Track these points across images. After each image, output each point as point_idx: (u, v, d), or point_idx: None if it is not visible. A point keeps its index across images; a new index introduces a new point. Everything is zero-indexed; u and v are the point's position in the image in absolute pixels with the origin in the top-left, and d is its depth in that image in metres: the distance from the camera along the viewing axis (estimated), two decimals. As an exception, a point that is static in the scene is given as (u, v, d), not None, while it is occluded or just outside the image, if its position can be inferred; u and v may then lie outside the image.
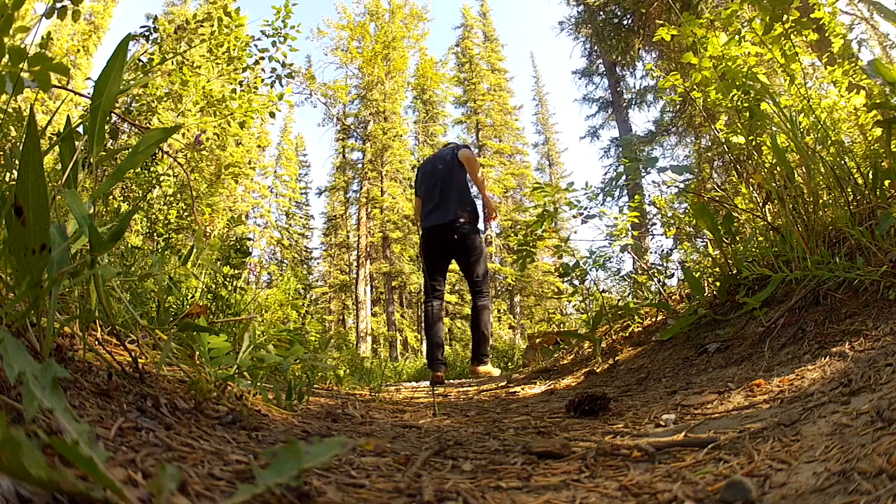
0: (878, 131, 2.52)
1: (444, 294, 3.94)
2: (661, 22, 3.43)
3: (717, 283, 2.74)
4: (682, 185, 3.66)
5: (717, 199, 3.44)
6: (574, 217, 3.72)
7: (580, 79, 14.47)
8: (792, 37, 2.55)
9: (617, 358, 2.92)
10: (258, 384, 1.43)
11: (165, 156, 4.32)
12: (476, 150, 24.42)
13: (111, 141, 3.10)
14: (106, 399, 0.93)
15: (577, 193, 3.66)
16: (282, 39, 4.71)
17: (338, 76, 35.16)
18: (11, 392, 0.73)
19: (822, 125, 2.40)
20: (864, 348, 1.37)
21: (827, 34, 2.97)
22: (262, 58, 4.83)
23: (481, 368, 3.64)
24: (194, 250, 2.62)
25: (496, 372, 3.75)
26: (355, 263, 22.43)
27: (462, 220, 3.75)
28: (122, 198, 4.42)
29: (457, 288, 22.10)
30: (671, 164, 3.41)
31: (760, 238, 2.69)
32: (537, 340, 4.47)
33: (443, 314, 3.95)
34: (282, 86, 4.87)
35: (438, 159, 4.06)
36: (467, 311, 22.34)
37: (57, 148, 1.29)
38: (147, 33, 4.46)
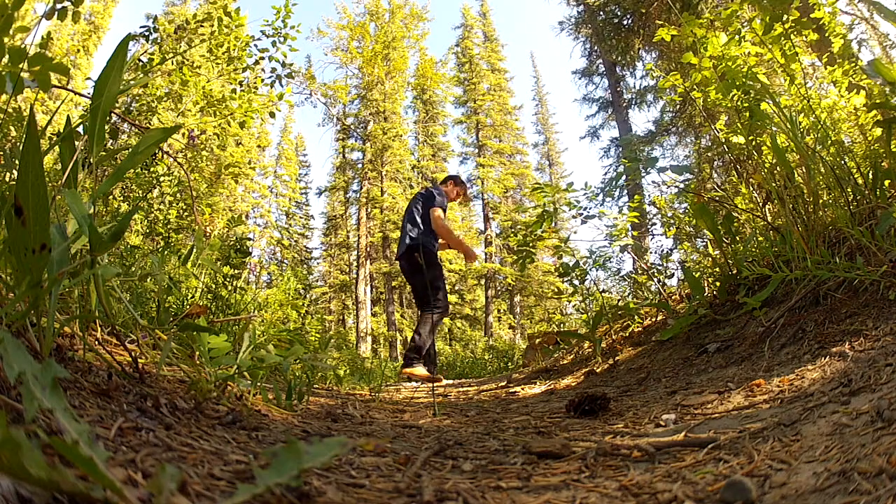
0: (878, 131, 2.52)
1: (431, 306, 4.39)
2: (661, 22, 3.43)
3: (717, 283, 2.74)
4: (682, 185, 3.66)
5: (717, 199, 3.44)
6: (574, 217, 3.72)
7: (580, 79, 14.49)
8: (792, 37, 2.55)
9: (617, 358, 2.92)
10: (258, 384, 1.43)
11: (165, 156, 4.32)
12: (476, 150, 24.44)
13: (111, 141, 3.10)
14: (106, 399, 0.93)
15: (577, 193, 3.65)
16: (282, 39, 4.71)
17: (338, 76, 35.16)
18: (11, 392, 0.73)
19: (822, 125, 2.40)
20: (864, 348, 1.37)
21: (827, 34, 2.96)
22: (262, 58, 4.83)
23: (406, 370, 4.03)
24: (194, 250, 2.62)
25: (422, 372, 4.05)
26: (355, 263, 22.44)
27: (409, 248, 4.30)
28: (122, 198, 4.41)
29: (457, 288, 22.10)
30: (671, 164, 3.40)
31: (760, 238, 2.69)
32: (537, 340, 4.47)
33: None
34: (282, 86, 4.87)
35: (417, 199, 4.56)
36: (468, 310, 22.38)
37: (57, 148, 1.29)
38: (147, 33, 4.45)
